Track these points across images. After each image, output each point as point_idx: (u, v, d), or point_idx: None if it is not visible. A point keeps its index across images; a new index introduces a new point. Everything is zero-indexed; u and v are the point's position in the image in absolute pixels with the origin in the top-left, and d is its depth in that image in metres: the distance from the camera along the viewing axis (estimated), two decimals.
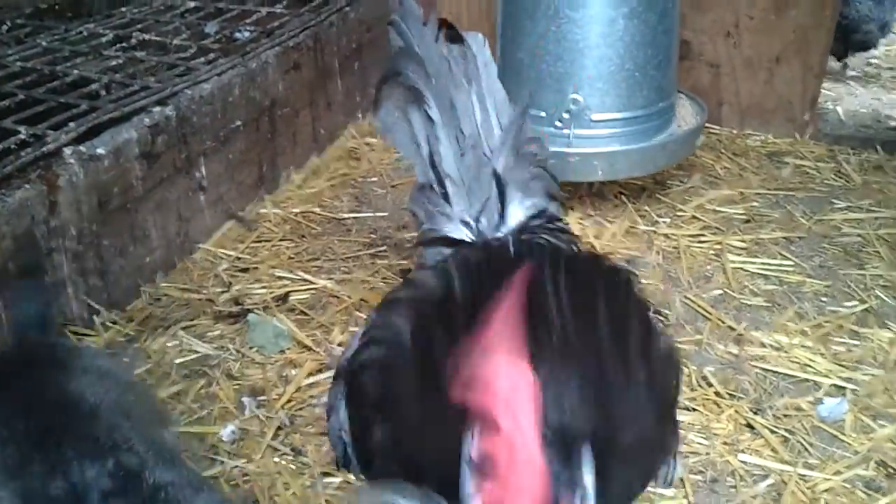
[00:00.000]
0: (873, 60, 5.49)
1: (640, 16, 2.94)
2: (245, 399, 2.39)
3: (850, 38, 5.20)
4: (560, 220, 1.83)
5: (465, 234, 1.73)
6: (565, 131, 3.03)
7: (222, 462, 2.17)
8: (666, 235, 3.14)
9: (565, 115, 3.01)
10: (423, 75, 1.83)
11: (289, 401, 2.39)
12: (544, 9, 2.91)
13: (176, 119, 2.85)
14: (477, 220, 1.73)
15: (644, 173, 3.28)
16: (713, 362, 2.55)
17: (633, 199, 3.36)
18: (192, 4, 3.76)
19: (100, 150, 2.56)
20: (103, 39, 3.39)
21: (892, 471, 2.17)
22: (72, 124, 2.58)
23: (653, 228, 3.19)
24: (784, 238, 3.15)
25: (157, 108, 2.80)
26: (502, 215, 1.73)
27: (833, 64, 5.75)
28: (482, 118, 1.82)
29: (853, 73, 5.40)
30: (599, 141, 3.06)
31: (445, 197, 1.78)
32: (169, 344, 2.58)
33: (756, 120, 3.92)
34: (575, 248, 1.76)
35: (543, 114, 3.03)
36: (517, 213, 1.74)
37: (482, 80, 1.86)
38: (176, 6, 3.74)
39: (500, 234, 1.70)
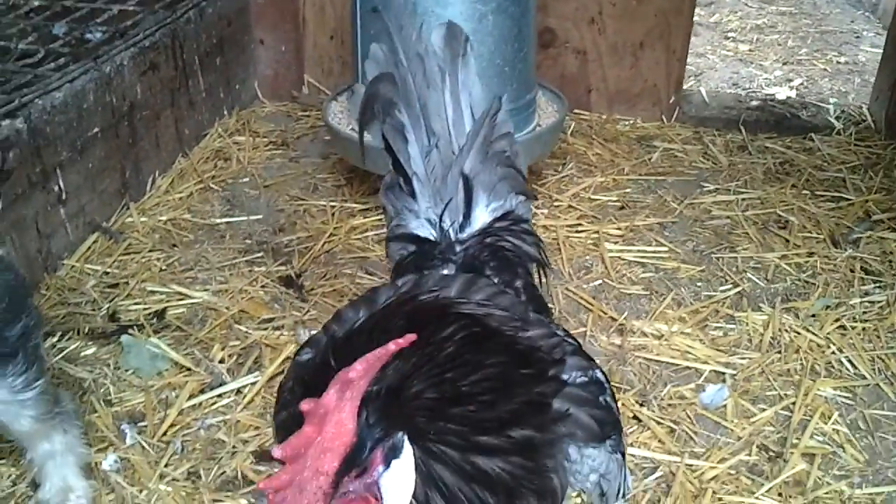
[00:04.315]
0: (730, 34, 5.68)
1: (506, 10, 2.93)
2: (125, 426, 2.28)
3: None
4: (525, 220, 1.85)
5: (429, 232, 1.75)
6: None
7: (112, 490, 2.09)
8: (545, 227, 3.15)
9: None
10: (395, 86, 1.79)
11: (171, 425, 2.29)
12: (412, 6, 2.86)
13: (27, 132, 2.67)
14: (441, 219, 1.74)
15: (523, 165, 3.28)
16: (597, 354, 2.57)
17: None
18: (37, 3, 3.51)
19: None
20: None
21: (773, 454, 2.25)
22: None
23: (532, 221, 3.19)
24: (658, 224, 3.21)
25: (6, 122, 2.61)
26: (467, 216, 1.75)
27: None
28: (454, 116, 1.79)
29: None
30: None
31: (412, 194, 1.77)
32: None
33: (624, 105, 3.98)
34: (539, 250, 1.85)
35: None
36: (482, 215, 1.76)
37: (458, 74, 1.83)
38: (19, 5, 3.49)
39: (462, 235, 1.73)
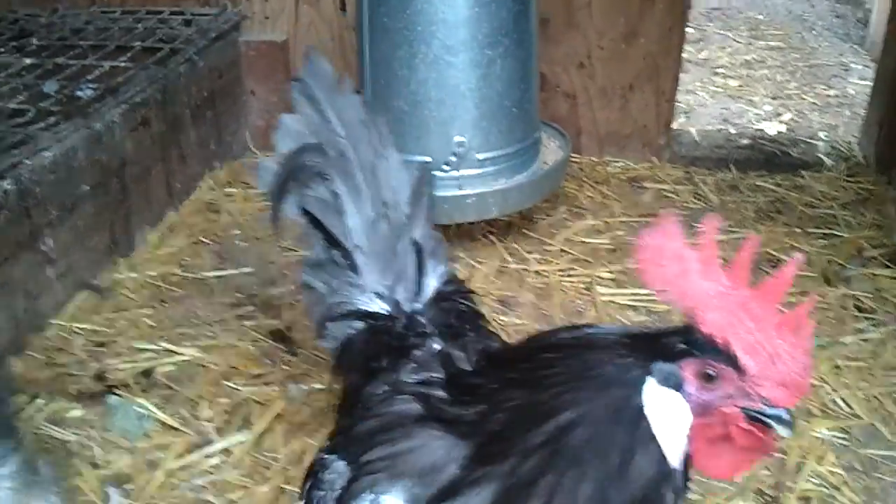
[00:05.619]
0: (720, 70, 5.71)
1: (513, 54, 2.98)
2: (110, 489, 2.25)
3: None
4: (463, 282, 1.83)
5: (378, 307, 1.69)
6: (454, 174, 3.03)
7: None
8: (537, 272, 3.15)
9: (452, 158, 3.01)
10: (325, 156, 1.73)
11: (159, 487, 2.26)
12: (422, 57, 2.89)
13: (16, 193, 2.68)
14: (392, 291, 1.69)
15: (531, 204, 3.32)
16: None
17: (502, 237, 3.35)
18: (29, 61, 3.55)
19: None
20: None
21: (769, 499, 2.22)
22: None
23: (523, 266, 3.19)
24: None
25: None
26: (420, 284, 1.70)
27: None
28: (396, 183, 1.76)
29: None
30: (488, 178, 3.09)
31: (354, 268, 1.71)
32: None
33: (614, 147, 3.99)
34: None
35: (429, 159, 3.00)
36: (432, 282, 1.73)
37: (390, 141, 1.80)
38: (10, 64, 3.52)
39: (418, 305, 1.69)
